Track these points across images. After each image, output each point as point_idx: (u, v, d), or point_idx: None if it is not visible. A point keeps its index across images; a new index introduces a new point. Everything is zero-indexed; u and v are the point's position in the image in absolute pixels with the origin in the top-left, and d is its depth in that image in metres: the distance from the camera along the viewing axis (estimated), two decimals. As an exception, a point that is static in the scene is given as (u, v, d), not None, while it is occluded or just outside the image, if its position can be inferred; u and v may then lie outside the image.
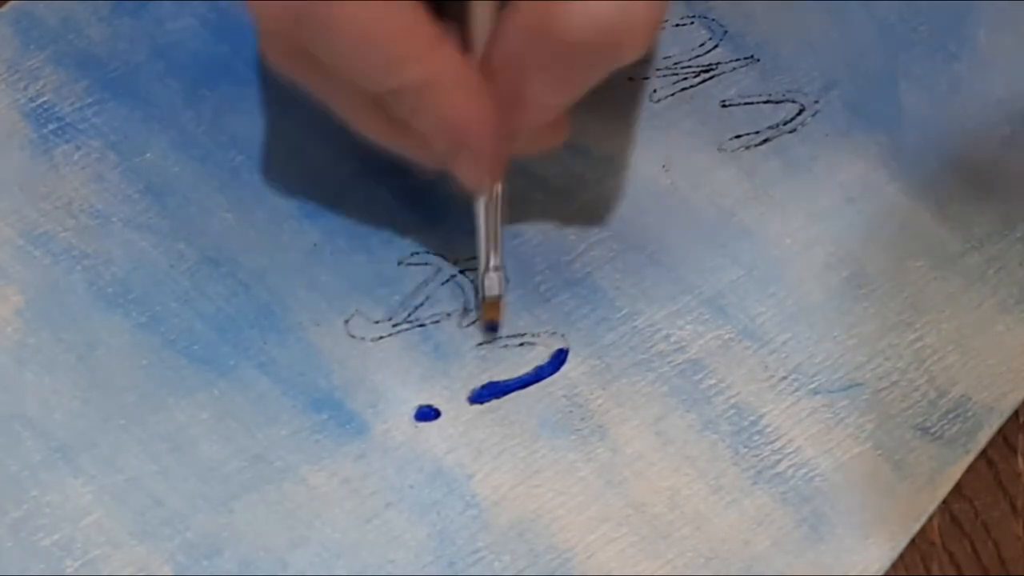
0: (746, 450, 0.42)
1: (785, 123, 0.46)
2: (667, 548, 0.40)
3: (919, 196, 0.45)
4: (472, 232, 0.42)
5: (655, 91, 0.46)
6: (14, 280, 0.42)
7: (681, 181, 0.45)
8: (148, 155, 0.44)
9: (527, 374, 0.42)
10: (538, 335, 0.43)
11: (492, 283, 0.42)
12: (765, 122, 0.46)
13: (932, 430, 0.42)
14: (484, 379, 0.42)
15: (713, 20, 0.47)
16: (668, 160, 0.45)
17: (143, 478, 0.40)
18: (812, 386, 0.42)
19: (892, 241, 0.44)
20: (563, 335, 0.43)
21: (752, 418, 0.42)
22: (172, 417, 0.41)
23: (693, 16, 0.47)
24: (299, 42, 0.37)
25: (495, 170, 0.40)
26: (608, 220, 0.44)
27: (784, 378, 0.43)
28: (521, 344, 0.43)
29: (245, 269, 0.43)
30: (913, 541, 0.41)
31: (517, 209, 0.44)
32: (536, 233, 0.44)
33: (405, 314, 0.43)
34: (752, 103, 0.46)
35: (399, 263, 0.43)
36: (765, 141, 0.46)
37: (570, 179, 0.45)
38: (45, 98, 0.44)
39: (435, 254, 0.43)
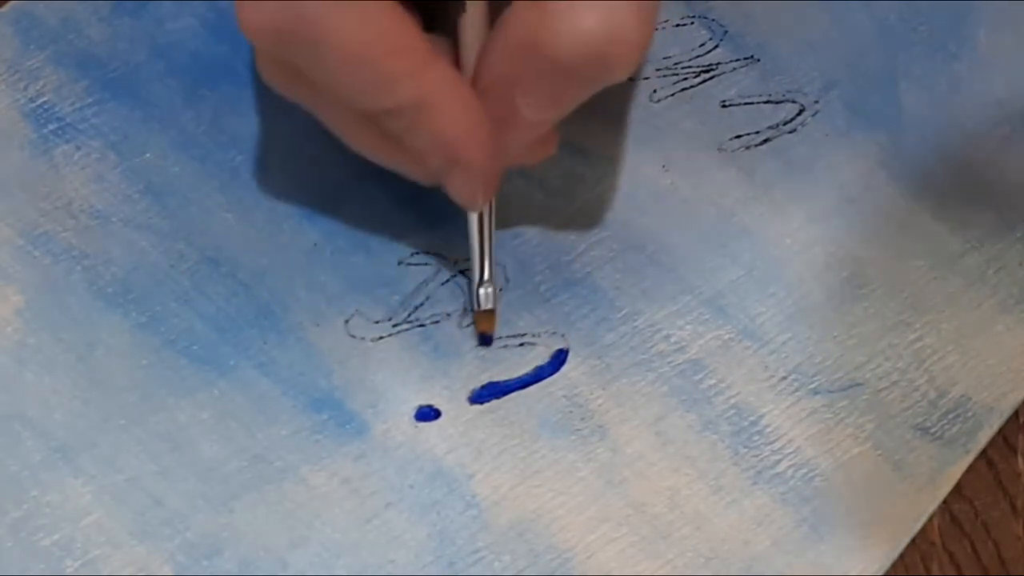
0: (746, 450, 0.42)
1: (785, 123, 0.46)
2: (667, 548, 0.40)
3: (919, 196, 0.45)
4: (472, 232, 0.42)
5: (655, 91, 0.46)
6: (14, 280, 0.42)
7: (681, 181, 0.45)
8: (148, 155, 0.44)
9: (527, 374, 0.42)
10: (538, 335, 0.43)
11: (485, 297, 0.42)
12: (765, 122, 0.46)
13: (932, 430, 0.42)
14: (484, 379, 0.42)
15: (713, 20, 0.47)
16: (668, 160, 0.45)
17: (143, 478, 0.40)
18: (812, 386, 0.42)
19: (892, 241, 0.44)
20: (563, 335, 0.43)
21: (752, 418, 0.42)
22: (172, 417, 0.41)
23: (693, 16, 0.47)
24: (290, 61, 0.37)
25: (489, 186, 0.40)
26: (608, 220, 0.44)
27: (784, 378, 0.43)
28: (521, 344, 0.42)
29: (245, 269, 0.43)
30: (913, 541, 0.41)
31: (517, 209, 0.44)
32: (536, 233, 0.44)
33: (405, 314, 0.43)
34: (752, 103, 0.46)
35: (399, 263, 0.43)
36: (765, 141, 0.46)
37: (570, 179, 0.45)
38: (45, 98, 0.44)
39: (435, 254, 0.43)
